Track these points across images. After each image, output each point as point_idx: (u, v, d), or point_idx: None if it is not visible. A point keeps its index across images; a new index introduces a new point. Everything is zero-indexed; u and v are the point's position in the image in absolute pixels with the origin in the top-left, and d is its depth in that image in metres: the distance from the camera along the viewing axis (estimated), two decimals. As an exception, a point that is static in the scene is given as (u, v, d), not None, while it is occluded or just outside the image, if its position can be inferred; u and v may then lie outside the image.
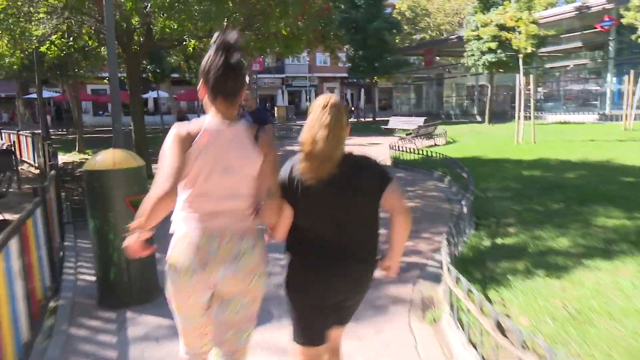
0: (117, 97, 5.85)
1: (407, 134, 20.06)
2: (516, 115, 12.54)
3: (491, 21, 12.32)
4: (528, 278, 4.03)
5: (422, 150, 12.36)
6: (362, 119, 32.98)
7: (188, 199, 1.85)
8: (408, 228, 2.05)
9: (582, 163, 9.79)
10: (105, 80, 24.72)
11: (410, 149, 12.50)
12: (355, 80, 55.60)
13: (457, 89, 33.66)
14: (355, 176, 1.92)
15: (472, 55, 20.15)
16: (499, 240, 5.20)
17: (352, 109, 32.77)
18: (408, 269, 4.65)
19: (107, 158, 3.86)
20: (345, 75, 55.41)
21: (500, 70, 19.62)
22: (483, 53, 19.53)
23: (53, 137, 24.27)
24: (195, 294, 1.86)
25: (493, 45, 15.84)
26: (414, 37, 36.24)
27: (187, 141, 1.79)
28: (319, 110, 1.87)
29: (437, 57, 31.97)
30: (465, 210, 5.63)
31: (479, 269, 4.35)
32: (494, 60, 18.97)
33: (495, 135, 16.96)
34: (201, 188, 1.83)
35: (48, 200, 4.69)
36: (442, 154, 10.40)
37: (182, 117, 31.69)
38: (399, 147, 12.96)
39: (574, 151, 11.41)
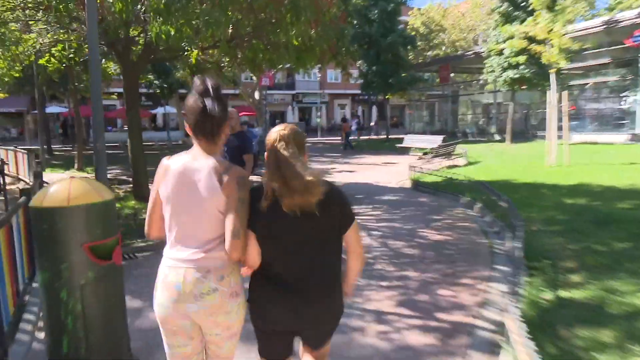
0: (99, 112, 4.93)
1: (424, 153, 19.08)
2: (547, 134, 11.48)
3: (521, 33, 11.34)
4: (624, 359, 2.98)
5: (444, 172, 11.36)
6: (375, 136, 32.03)
7: (166, 232, 1.99)
8: (360, 267, 2.12)
9: (633, 190, 8.69)
10: (114, 95, 24.24)
11: (430, 170, 11.51)
12: (366, 97, 55.17)
13: (472, 106, 32.68)
14: (325, 210, 1.89)
15: (492, 71, 19.20)
16: (563, 293, 4.14)
17: (362, 124, 31.82)
18: (452, 334, 3.61)
19: (61, 191, 2.85)
20: (357, 92, 54.96)
21: (523, 87, 18.65)
22: (504, 69, 18.58)
23: (56, 153, 23.66)
24: (174, 324, 1.96)
25: (521, 59, 14.86)
26: (427, 53, 35.45)
27: (162, 176, 1.95)
28: (270, 148, 1.90)
29: (452, 74, 31.11)
30: (516, 248, 4.60)
31: (550, 337, 3.31)
32: (516, 76, 18.00)
33: (519, 155, 15.88)
34: (169, 224, 1.96)
35: (4, 232, 3.76)
36: (468, 177, 9.38)
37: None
38: (416, 168, 11.97)
39: (616, 175, 10.31)
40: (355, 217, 2.02)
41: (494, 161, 14.48)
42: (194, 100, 1.91)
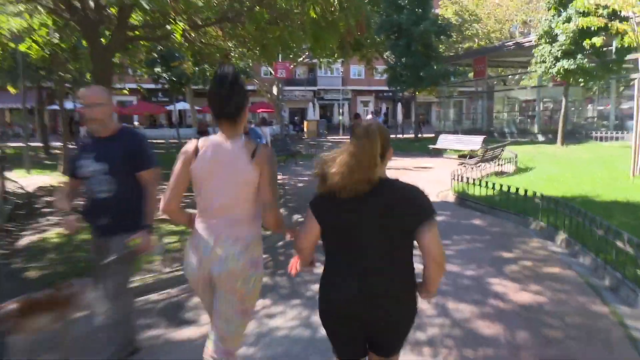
0: None
1: (463, 156, 16.60)
2: (634, 136, 8.95)
3: (598, 6, 8.86)
4: None
5: (492, 180, 9.00)
6: (401, 135, 29.57)
7: (198, 204, 2.25)
8: (438, 275, 1.96)
9: None
10: (125, 91, 22.38)
11: (475, 178, 9.16)
12: (390, 93, 52.60)
13: (509, 103, 29.90)
14: (394, 204, 1.88)
15: (543, 61, 16.60)
16: None
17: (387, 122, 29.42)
18: None
19: None
20: (381, 88, 52.50)
21: (581, 80, 16.00)
22: (558, 59, 15.97)
23: (58, 151, 22.03)
24: (199, 284, 2.26)
25: (595, 41, 12.15)
26: (459, 46, 32.73)
27: (192, 156, 2.18)
28: (353, 139, 1.90)
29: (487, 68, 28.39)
30: None
31: None
32: (572, 67, 15.38)
33: (580, 160, 13.30)
34: (203, 196, 2.21)
35: None
36: (533, 191, 7.04)
37: (203, 131, 29.05)
38: (461, 176, 9.63)
39: None
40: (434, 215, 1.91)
41: (551, 168, 11.99)
42: (213, 86, 2.18)
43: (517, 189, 7.36)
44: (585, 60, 15.39)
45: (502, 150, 12.91)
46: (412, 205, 1.92)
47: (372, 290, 1.88)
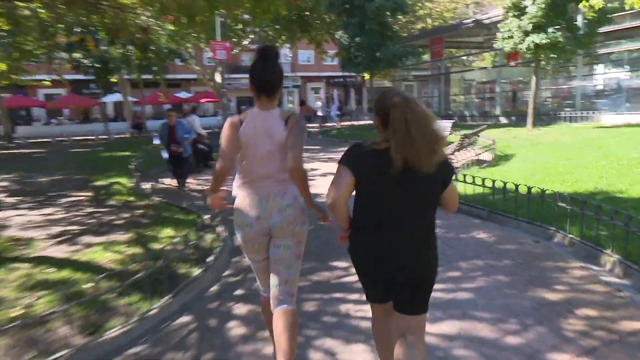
0: None
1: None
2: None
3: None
4: None
5: (482, 176, 7.28)
6: (356, 123, 27.81)
7: (242, 168, 2.54)
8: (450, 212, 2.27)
9: None
10: (46, 82, 19.20)
11: (457, 172, 7.40)
12: (342, 79, 50.82)
13: (466, 85, 28.77)
14: (437, 172, 2.02)
15: (511, 37, 15.13)
16: None
17: (343, 109, 27.57)
18: None
19: None
20: (332, 74, 50.61)
21: (553, 55, 14.62)
22: (527, 33, 14.53)
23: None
24: (257, 241, 2.55)
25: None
26: (413, 27, 31.25)
27: (238, 125, 2.48)
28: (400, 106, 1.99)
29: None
30: None
31: None
32: (544, 41, 13.97)
33: (565, 145, 11.86)
34: (250, 160, 2.49)
35: None
36: (538, 188, 5.30)
37: (137, 124, 26.09)
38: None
39: None
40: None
41: (536, 156, 10.47)
42: (256, 65, 2.46)
43: (517, 186, 5.60)
44: (559, 34, 14.00)
45: (478, 136, 11.27)
46: (446, 171, 2.10)
47: (409, 244, 2.12)
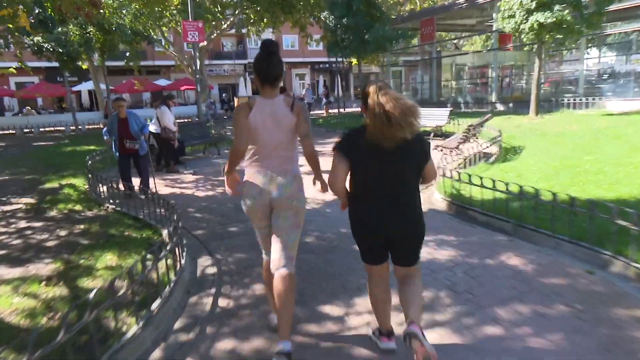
0: None
1: (429, 134, 13.75)
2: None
3: None
4: None
5: (482, 169, 6.09)
6: (344, 110, 26.46)
7: (251, 150, 2.84)
8: (428, 183, 2.73)
9: None
10: (12, 69, 17.37)
11: (458, 170, 6.18)
12: (327, 65, 49.26)
13: (458, 70, 27.56)
14: (410, 145, 2.44)
15: (512, 16, 13.90)
16: None
17: (329, 96, 26.12)
18: None
19: None
20: (317, 59, 49.05)
21: (559, 36, 13.41)
22: (530, 11, 13.30)
23: None
24: (259, 211, 2.87)
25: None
26: (402, 8, 29.84)
27: (248, 111, 2.77)
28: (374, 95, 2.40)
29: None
30: None
31: None
32: (549, 20, 12.76)
33: (577, 135, 10.71)
34: (259, 142, 2.79)
35: None
36: (573, 195, 4.10)
37: (108, 114, 24.42)
38: (444, 170, 6.62)
39: None
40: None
41: (547, 147, 9.31)
42: (260, 57, 2.75)
43: (555, 195, 4.39)
44: (566, 12, 12.78)
45: (482, 126, 10.05)
46: (423, 149, 2.54)
47: (398, 209, 2.54)
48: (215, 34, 28.27)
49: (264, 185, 2.81)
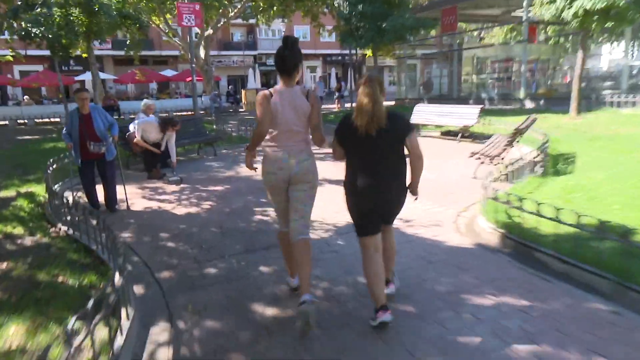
0: None
1: (443, 133, 12.18)
2: None
3: None
4: None
5: (536, 190, 4.55)
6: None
7: (272, 132, 3.18)
8: (420, 167, 3.09)
9: None
10: (9, 57, 15.90)
11: (509, 193, 4.61)
12: (340, 57, 47.50)
13: (479, 64, 25.74)
14: (392, 127, 2.94)
15: (552, 1, 12.17)
16: None
17: (342, 90, 24.47)
18: None
19: None
20: (329, 51, 47.34)
21: (609, 24, 11.67)
22: (574, -4, 11.59)
23: None
24: (277, 186, 3.23)
25: None
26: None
27: (269, 98, 3.12)
28: (360, 85, 2.93)
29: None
30: None
31: None
32: (598, 6, 11.05)
33: (638, 140, 9.04)
34: (279, 125, 3.12)
35: None
36: None
37: (108, 106, 23.05)
38: (487, 187, 5.08)
39: None
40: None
41: (605, 156, 7.68)
42: (278, 49, 3.08)
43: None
44: (618, -5, 11.02)
45: (527, 129, 8.40)
46: (402, 125, 3.02)
47: (383, 180, 3.00)
48: (222, 22, 26.78)
49: (284, 162, 3.14)
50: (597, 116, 13.10)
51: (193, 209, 6.19)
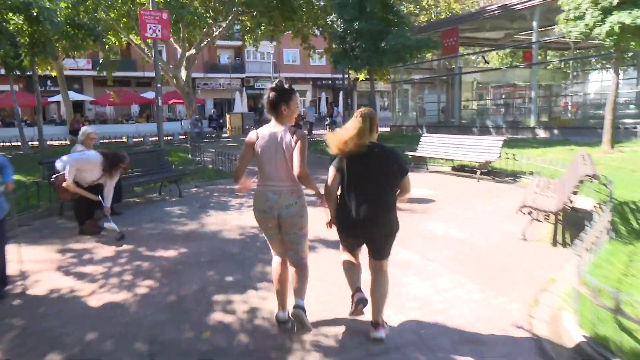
0: None
1: (455, 168, 10.36)
2: None
3: None
4: None
5: None
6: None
7: (261, 171, 3.28)
8: (407, 198, 3.33)
9: None
10: None
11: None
12: (330, 81, 46.01)
13: (480, 89, 24.21)
14: (383, 161, 3.16)
15: (580, 17, 10.52)
16: None
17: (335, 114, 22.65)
18: None
19: None
20: (319, 75, 45.89)
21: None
22: (608, 11, 9.96)
23: None
24: (269, 223, 3.30)
25: None
26: (415, 19, 26.60)
27: (254, 140, 3.27)
28: (354, 118, 3.22)
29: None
30: None
31: None
32: (635, 22, 9.38)
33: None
34: (266, 165, 3.24)
35: None
36: None
37: (76, 130, 20.90)
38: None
39: None
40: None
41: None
42: (267, 93, 3.26)
43: None
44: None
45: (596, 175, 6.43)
46: (396, 164, 3.17)
47: (373, 212, 3.13)
48: (205, 42, 25.03)
49: (273, 201, 3.23)
50: (633, 150, 11.31)
51: (120, 296, 4.09)
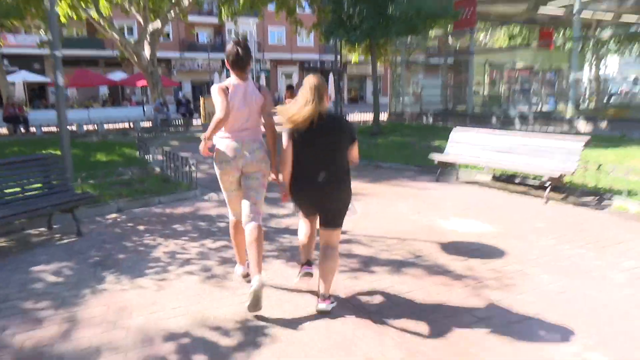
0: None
1: (513, 187, 7.04)
2: None
3: None
4: None
5: None
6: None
7: (227, 124, 3.36)
8: (354, 164, 3.33)
9: None
10: None
11: None
12: (318, 64, 42.42)
13: (490, 73, 21.04)
14: (333, 128, 3.19)
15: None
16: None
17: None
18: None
19: None
20: (307, 56, 42.30)
21: None
22: None
23: None
24: (230, 176, 3.47)
25: None
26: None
27: (226, 90, 3.32)
28: (302, 89, 3.16)
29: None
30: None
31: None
32: None
33: None
34: (234, 116, 3.33)
35: None
36: None
37: (13, 116, 17.31)
38: None
39: None
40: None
41: None
42: (231, 47, 3.38)
43: None
44: None
45: None
46: (347, 131, 3.24)
47: (327, 177, 3.17)
48: (174, 15, 21.40)
49: (238, 151, 3.40)
50: None
51: None
